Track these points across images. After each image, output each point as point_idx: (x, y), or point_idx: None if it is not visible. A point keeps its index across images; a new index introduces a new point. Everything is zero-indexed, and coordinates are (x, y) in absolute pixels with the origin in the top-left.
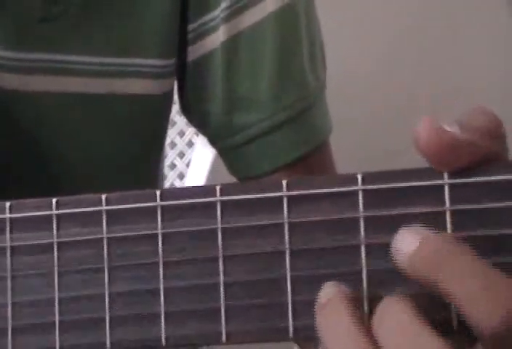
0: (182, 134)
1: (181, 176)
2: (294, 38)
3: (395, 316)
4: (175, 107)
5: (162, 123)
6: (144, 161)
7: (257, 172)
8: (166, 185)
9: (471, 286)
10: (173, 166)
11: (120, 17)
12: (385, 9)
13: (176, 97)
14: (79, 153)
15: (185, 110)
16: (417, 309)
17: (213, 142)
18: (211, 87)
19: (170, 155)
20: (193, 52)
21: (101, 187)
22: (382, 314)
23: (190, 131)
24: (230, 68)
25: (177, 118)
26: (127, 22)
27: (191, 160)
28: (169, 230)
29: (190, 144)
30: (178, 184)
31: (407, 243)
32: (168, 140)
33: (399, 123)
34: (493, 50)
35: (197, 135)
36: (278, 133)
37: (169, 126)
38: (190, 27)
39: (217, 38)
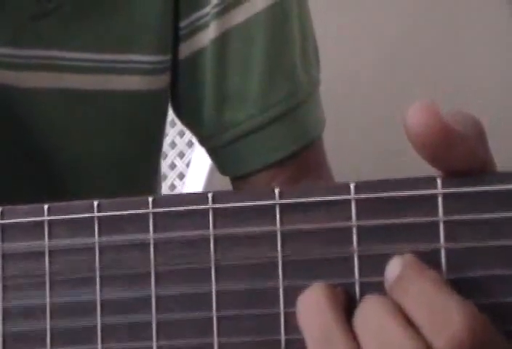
0: (182, 134)
1: (181, 176)
2: (286, 35)
3: (375, 315)
4: None
5: (159, 120)
6: (142, 160)
7: (247, 170)
8: (167, 184)
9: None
10: (173, 166)
11: (114, 13)
12: (385, 10)
13: None
14: (76, 151)
15: (177, 109)
16: (397, 308)
17: (203, 141)
18: (202, 85)
19: (170, 155)
20: (185, 50)
21: (98, 185)
22: (363, 312)
23: None
24: (221, 65)
25: None
26: (121, 18)
27: (191, 160)
28: (161, 238)
29: (190, 144)
30: (178, 184)
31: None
32: (168, 140)
33: (400, 124)
34: (493, 50)
35: None
36: (269, 130)
37: (169, 126)
38: (182, 24)
39: (208, 35)
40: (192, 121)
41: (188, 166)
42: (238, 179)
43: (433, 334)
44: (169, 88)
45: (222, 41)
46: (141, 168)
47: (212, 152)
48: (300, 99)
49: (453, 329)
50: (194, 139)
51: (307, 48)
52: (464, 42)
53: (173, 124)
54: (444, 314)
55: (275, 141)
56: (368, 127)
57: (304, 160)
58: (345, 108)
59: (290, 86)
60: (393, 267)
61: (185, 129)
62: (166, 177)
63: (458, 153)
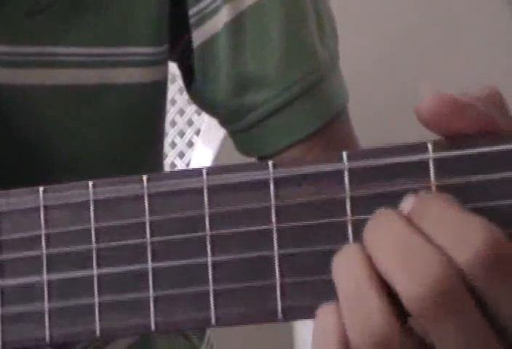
0: (182, 133)
1: None
2: (299, 11)
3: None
4: (175, 107)
5: (156, 113)
6: (142, 155)
7: (271, 150)
8: None
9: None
10: (173, 165)
11: (110, 6)
12: (385, 10)
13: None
14: (75, 147)
15: (194, 98)
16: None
17: (224, 124)
18: (217, 71)
19: (170, 155)
20: (198, 37)
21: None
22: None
23: (190, 131)
24: (237, 49)
25: (177, 117)
26: (117, 10)
27: (191, 160)
28: (156, 217)
29: (190, 144)
30: None
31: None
32: (168, 140)
33: (400, 123)
34: (493, 50)
35: (197, 135)
36: (291, 108)
37: (169, 126)
38: (191, 12)
39: (220, 20)
40: (210, 107)
41: (188, 166)
42: (264, 159)
43: (456, 250)
44: (166, 80)
45: (236, 24)
46: (142, 164)
47: (233, 135)
48: (321, 75)
49: (476, 245)
50: (194, 139)
51: (323, 23)
52: (464, 42)
53: (173, 124)
54: (465, 231)
55: (297, 120)
56: (368, 127)
57: (332, 132)
58: None
59: (310, 62)
60: (408, 200)
61: (184, 128)
62: None
63: (469, 122)
